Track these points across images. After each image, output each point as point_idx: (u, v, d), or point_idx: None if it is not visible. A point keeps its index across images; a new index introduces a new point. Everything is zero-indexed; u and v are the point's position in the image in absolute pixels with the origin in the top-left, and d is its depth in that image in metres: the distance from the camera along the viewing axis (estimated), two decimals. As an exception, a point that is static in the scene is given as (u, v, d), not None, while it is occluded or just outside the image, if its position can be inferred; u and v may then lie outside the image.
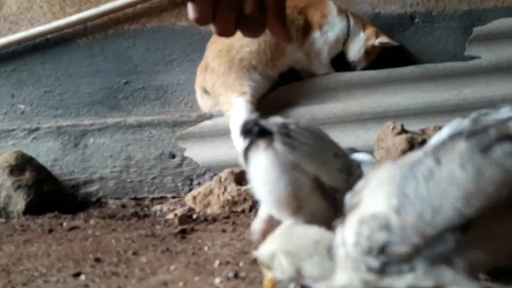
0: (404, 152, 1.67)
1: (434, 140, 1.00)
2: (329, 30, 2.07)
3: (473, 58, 2.15)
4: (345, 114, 2.05)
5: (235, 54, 1.98)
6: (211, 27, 0.80)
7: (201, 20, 0.77)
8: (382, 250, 0.75)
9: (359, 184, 0.82)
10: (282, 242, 0.90)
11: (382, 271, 0.76)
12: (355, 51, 2.12)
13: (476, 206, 0.70)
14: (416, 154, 0.77)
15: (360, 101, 2.07)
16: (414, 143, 1.69)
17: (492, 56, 2.12)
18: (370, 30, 2.10)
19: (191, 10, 0.77)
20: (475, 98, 2.05)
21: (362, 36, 2.10)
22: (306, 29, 2.06)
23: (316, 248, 0.86)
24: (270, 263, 0.90)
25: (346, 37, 2.10)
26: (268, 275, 0.93)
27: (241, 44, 1.98)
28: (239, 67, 1.99)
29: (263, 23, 0.80)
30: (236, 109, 1.96)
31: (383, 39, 2.09)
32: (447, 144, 0.75)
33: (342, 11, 2.10)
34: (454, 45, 2.19)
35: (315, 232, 0.89)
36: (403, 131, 1.76)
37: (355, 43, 2.10)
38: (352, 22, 2.09)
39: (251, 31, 0.81)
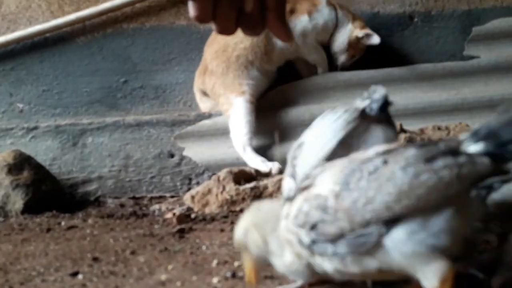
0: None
1: None
2: (318, 18, 2.07)
3: (472, 57, 2.15)
4: (344, 114, 2.04)
5: (231, 52, 1.99)
6: (212, 26, 0.80)
7: (201, 18, 0.77)
8: (314, 226, 0.82)
9: (315, 171, 0.89)
10: (252, 216, 0.96)
11: (310, 248, 0.83)
12: (339, 41, 2.11)
13: (405, 204, 0.77)
14: (370, 153, 0.84)
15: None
16: (412, 142, 1.69)
17: (491, 56, 2.12)
18: (357, 23, 2.10)
19: (191, 9, 0.77)
20: (474, 97, 2.05)
21: (349, 27, 2.09)
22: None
23: (277, 224, 0.90)
24: (245, 239, 0.94)
25: (335, 27, 2.10)
26: (247, 258, 0.94)
27: (236, 41, 1.98)
28: (237, 65, 1.99)
29: (264, 22, 0.80)
30: (236, 109, 1.96)
31: (367, 31, 2.07)
32: (399, 149, 0.83)
33: (330, 4, 2.10)
34: (453, 44, 2.19)
35: (278, 207, 0.93)
36: (402, 130, 1.77)
37: (342, 33, 2.10)
38: (340, 13, 2.10)
39: (252, 29, 0.81)
